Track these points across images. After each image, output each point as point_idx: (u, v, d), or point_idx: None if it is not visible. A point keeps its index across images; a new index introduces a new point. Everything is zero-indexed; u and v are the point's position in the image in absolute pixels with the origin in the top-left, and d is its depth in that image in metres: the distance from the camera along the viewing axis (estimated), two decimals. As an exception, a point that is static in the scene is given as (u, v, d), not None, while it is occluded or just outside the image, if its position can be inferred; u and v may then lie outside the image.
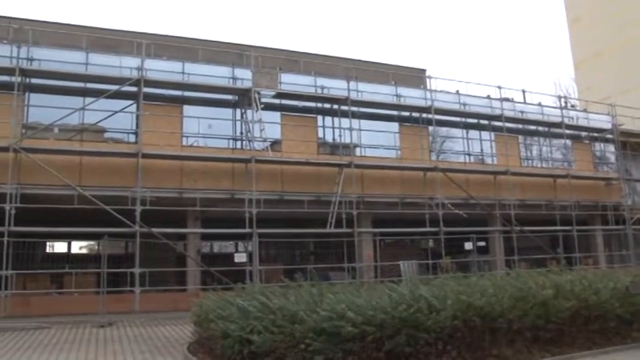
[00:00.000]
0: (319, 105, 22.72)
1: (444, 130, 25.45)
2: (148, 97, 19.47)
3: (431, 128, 24.38)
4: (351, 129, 21.92)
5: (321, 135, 22.89)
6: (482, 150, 25.95)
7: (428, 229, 21.94)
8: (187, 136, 20.41)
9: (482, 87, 26.92)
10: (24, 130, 18.32)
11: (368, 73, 25.07)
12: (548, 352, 8.85)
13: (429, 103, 23.67)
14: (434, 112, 23.51)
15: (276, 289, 9.93)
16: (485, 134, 25.93)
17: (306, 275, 12.23)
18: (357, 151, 22.58)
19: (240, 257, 20.92)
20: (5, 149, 17.29)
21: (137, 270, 17.94)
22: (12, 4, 75.62)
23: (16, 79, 18.04)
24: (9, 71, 18.19)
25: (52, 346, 11.76)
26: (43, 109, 18.80)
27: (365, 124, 22.78)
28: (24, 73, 18.50)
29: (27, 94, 18.99)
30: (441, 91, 25.16)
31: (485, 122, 25.79)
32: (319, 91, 22.51)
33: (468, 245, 23.47)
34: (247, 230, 19.29)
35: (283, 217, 21.00)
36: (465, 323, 8.06)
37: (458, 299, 8.21)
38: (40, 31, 20.40)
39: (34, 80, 19.19)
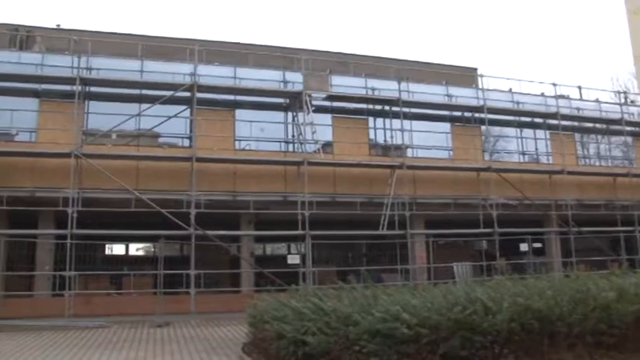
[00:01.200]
0: (370, 106, 22.67)
1: (496, 130, 24.97)
2: (201, 102, 19.85)
3: (483, 128, 23.94)
4: (402, 130, 21.76)
5: (372, 136, 22.82)
6: (536, 149, 25.31)
7: (481, 230, 21.56)
8: (240, 140, 20.72)
9: (536, 84, 26.18)
10: (84, 137, 18.98)
11: (419, 73, 24.83)
12: (610, 357, 8.44)
13: (481, 102, 23.26)
14: (486, 112, 23.06)
15: (330, 290, 9.96)
16: (540, 133, 25.28)
17: (359, 277, 12.24)
18: (409, 152, 22.37)
19: (293, 259, 21.06)
20: (67, 155, 17.98)
21: (192, 272, 18.29)
22: (72, 17, 78.42)
23: (77, 88, 18.75)
24: (70, 81, 18.96)
25: (113, 344, 12.14)
26: (102, 116, 19.45)
27: (416, 124, 22.55)
28: (84, 82, 19.18)
29: (86, 102, 19.68)
30: (493, 90, 24.64)
31: (540, 120, 25.14)
32: (370, 92, 22.46)
33: (524, 247, 22.94)
34: (300, 232, 19.41)
35: (336, 219, 21.04)
36: (522, 326, 7.82)
37: (514, 301, 7.98)
38: (98, 42, 21.07)
39: (92, 88, 19.88)
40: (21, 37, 22.03)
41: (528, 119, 25.14)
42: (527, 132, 25.18)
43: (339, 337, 7.83)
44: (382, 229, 20.34)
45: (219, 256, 21.86)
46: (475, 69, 29.37)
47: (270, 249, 32.28)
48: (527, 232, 22.60)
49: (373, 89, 22.58)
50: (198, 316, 16.74)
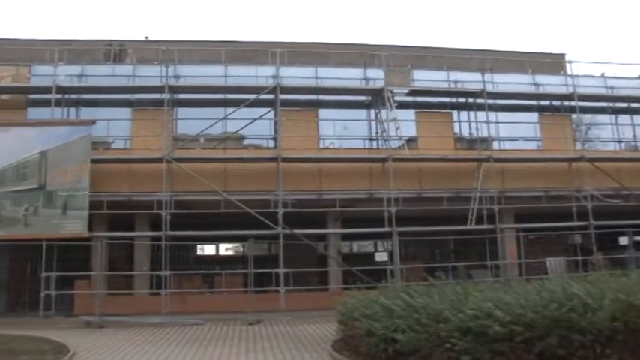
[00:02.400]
0: (454, 99, 22.25)
1: (588, 117, 23.75)
2: (285, 103, 20.19)
3: (574, 116, 22.81)
4: (488, 122, 21.19)
5: (457, 130, 22.36)
6: (634, 136, 23.87)
7: (576, 223, 20.65)
8: (324, 139, 20.89)
9: (631, 67, 24.62)
10: (174, 142, 19.75)
11: (503, 63, 24.02)
12: None
13: (570, 89, 22.22)
14: (577, 99, 22.01)
15: (419, 287, 9.87)
16: (637, 118, 23.87)
17: (448, 273, 12.05)
18: (496, 144, 21.72)
19: (381, 256, 20.98)
20: (159, 160, 18.85)
21: (281, 270, 18.63)
22: (160, 28, 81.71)
23: (166, 95, 19.64)
24: (160, 89, 19.84)
25: (208, 340, 12.59)
26: (190, 122, 20.25)
27: (502, 116, 21.87)
28: (172, 89, 20.01)
29: (175, 108, 20.50)
30: (583, 76, 23.43)
31: (638, 105, 23.74)
32: (453, 85, 22.07)
33: (623, 240, 21.72)
34: (387, 229, 19.35)
35: (422, 215, 20.76)
36: (625, 325, 7.23)
37: (616, 298, 7.41)
38: (184, 50, 21.86)
39: (180, 95, 20.74)
40: (114, 52, 23.28)
41: (624, 105, 23.74)
42: (624, 118, 23.79)
43: (430, 334, 7.72)
44: (470, 224, 19.94)
45: (307, 255, 22.09)
46: (563, 55, 28.07)
47: (356, 246, 32.30)
48: (627, 225, 21.33)
49: (456, 82, 22.15)
50: (287, 314, 17.00)
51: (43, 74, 20.48)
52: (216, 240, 28.83)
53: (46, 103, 19.82)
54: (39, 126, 19.43)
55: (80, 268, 18.45)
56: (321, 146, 20.80)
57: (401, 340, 7.90)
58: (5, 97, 20.69)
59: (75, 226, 18.38)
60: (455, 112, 22.32)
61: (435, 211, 20.21)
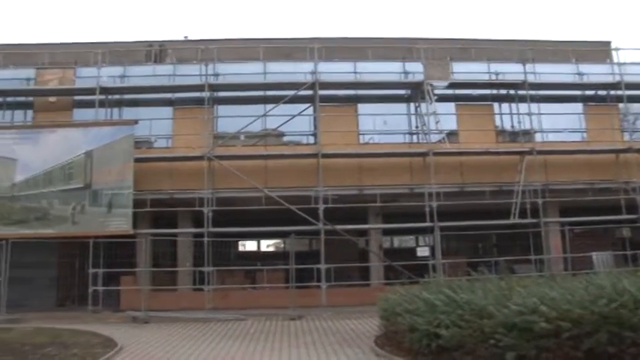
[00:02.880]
0: (494, 91, 21.81)
1: (637, 107, 22.99)
2: (324, 98, 20.21)
3: (621, 105, 22.12)
4: (530, 114, 20.73)
5: (498, 122, 21.95)
6: (688, 125, 22.89)
7: (624, 216, 20.07)
8: (364, 134, 20.81)
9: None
10: (215, 140, 19.98)
11: (545, 52, 23.45)
12: None
13: (617, 78, 21.54)
14: (624, 88, 21.33)
15: (462, 282, 9.75)
16: (692, 106, 22.83)
17: (490, 268, 11.86)
18: (539, 136, 21.21)
19: (422, 251, 20.86)
20: (201, 158, 19.12)
21: (323, 266, 18.67)
22: (199, 28, 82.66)
23: (206, 94, 19.88)
24: (200, 88, 20.10)
25: (251, 335, 12.70)
26: (230, 119, 20.43)
27: (545, 107, 21.34)
28: (212, 88, 20.24)
29: (215, 106, 20.75)
30: (631, 64, 22.69)
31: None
32: (493, 77, 21.66)
33: (678, 233, 20.94)
34: (428, 224, 19.21)
35: (464, 210, 20.52)
36: None
37: None
38: (223, 49, 22.03)
39: (220, 93, 21.00)
40: (155, 52, 23.65)
41: (677, 92, 22.84)
42: (677, 107, 22.89)
43: (474, 330, 7.62)
44: (513, 218, 19.58)
45: (348, 250, 22.10)
46: (608, 42, 27.26)
47: (397, 241, 32.16)
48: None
49: (497, 73, 21.74)
50: (329, 309, 17.03)
51: (87, 76, 21.01)
52: (257, 236, 29.16)
53: (90, 104, 20.31)
54: (84, 127, 19.93)
55: (125, 264, 18.87)
56: (361, 141, 20.73)
57: (444, 336, 7.83)
58: (52, 99, 21.30)
59: (120, 223, 18.81)
60: (496, 105, 21.91)
61: (476, 205, 19.93)
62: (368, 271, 20.74)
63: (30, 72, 21.57)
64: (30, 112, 21.59)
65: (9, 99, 21.23)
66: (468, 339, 7.64)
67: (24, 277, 18.97)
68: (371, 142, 20.78)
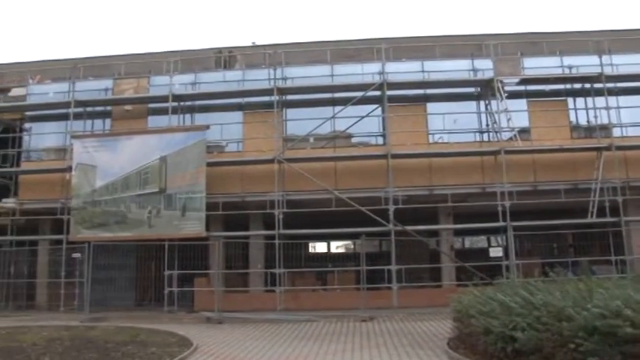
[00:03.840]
0: (568, 86, 20.99)
1: None
2: (392, 99, 20.08)
3: None
4: (607, 108, 19.79)
5: (573, 118, 21.12)
6: None
7: None
8: (433, 133, 20.52)
9: None
10: (285, 143, 20.21)
11: (622, 43, 22.27)
12: None
13: (702, 66, 20.35)
14: None
15: (538, 283, 9.44)
16: None
17: (567, 269, 11.45)
18: (617, 131, 20.26)
19: (495, 252, 20.35)
20: (271, 161, 19.41)
21: (394, 267, 18.56)
22: (266, 33, 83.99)
23: (275, 98, 20.14)
24: (268, 92, 20.40)
25: (323, 336, 12.76)
26: (299, 122, 20.62)
27: (624, 100, 20.37)
28: (280, 91, 20.47)
29: (284, 110, 20.98)
30: None
31: None
32: (567, 71, 20.85)
33: None
34: (501, 224, 18.74)
35: (538, 209, 19.90)
36: None
37: None
38: (290, 52, 22.31)
39: (289, 97, 21.18)
40: (224, 58, 24.20)
41: None
42: None
43: (552, 333, 7.35)
44: (591, 217, 18.81)
45: (419, 251, 21.84)
46: (693, 29, 25.71)
47: (468, 242, 31.53)
48: None
49: (570, 67, 20.89)
50: (400, 311, 16.91)
51: (160, 84, 21.72)
52: (327, 238, 29.24)
53: (163, 112, 21.00)
54: (158, 133, 20.60)
55: (199, 266, 19.37)
56: (431, 141, 20.45)
57: (520, 339, 7.59)
58: (128, 107, 22.18)
59: (193, 226, 19.32)
60: (570, 100, 21.06)
61: (551, 203, 19.28)
62: (439, 272, 20.43)
63: (107, 82, 22.57)
64: (108, 121, 22.56)
65: (89, 109, 22.20)
66: (545, 343, 7.38)
67: (105, 278, 19.88)
68: (440, 141, 20.45)
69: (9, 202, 21.85)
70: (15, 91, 24.02)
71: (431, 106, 20.81)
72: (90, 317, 16.95)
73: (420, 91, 21.08)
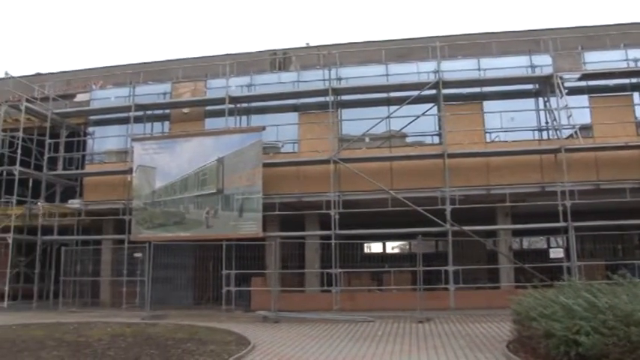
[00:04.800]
0: (634, 80, 20.21)
1: None
2: (448, 97, 19.85)
3: None
4: (678, 102, 19.03)
5: (638, 114, 20.38)
6: None
7: None
8: (490, 132, 20.15)
9: None
10: (340, 143, 20.26)
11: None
12: None
13: None
14: None
15: (602, 286, 9.14)
16: None
17: (633, 271, 11.04)
18: (688, 127, 19.42)
19: (556, 253, 19.74)
20: (327, 162, 19.50)
21: (450, 268, 18.34)
22: (319, 34, 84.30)
23: (330, 98, 20.20)
24: (323, 92, 20.48)
25: (379, 337, 12.71)
26: (354, 122, 20.58)
27: (696, 93, 19.54)
28: (335, 92, 20.53)
29: (339, 110, 21.03)
30: None
31: None
32: (632, 64, 20.09)
33: None
34: (562, 224, 18.23)
35: (601, 208, 19.23)
36: None
37: None
38: (344, 53, 22.38)
39: (344, 97, 21.22)
40: (279, 60, 24.47)
41: None
42: None
43: (619, 338, 7.11)
44: (659, 217, 18.06)
45: (476, 252, 21.53)
46: None
47: (526, 242, 30.84)
48: None
49: (636, 60, 20.14)
50: (457, 312, 16.71)
51: (216, 87, 22.19)
52: (383, 238, 29.16)
53: (220, 114, 21.40)
54: (215, 135, 20.99)
55: (256, 266, 19.63)
56: (487, 139, 20.09)
57: (584, 343, 7.38)
58: (186, 110, 22.69)
59: (250, 227, 19.60)
60: (636, 95, 20.27)
61: (615, 203, 18.58)
62: (496, 273, 20.05)
63: (166, 86, 23.21)
64: (167, 124, 23.17)
65: (148, 112, 22.84)
66: (612, 348, 7.15)
67: (165, 277, 20.43)
68: (497, 140, 20.07)
69: (75, 203, 22.82)
70: (79, 97, 25.09)
71: (487, 104, 20.42)
72: (151, 315, 17.46)
73: (477, 89, 20.74)
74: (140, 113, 22.50)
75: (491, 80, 20.24)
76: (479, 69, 20.72)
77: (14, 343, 11.53)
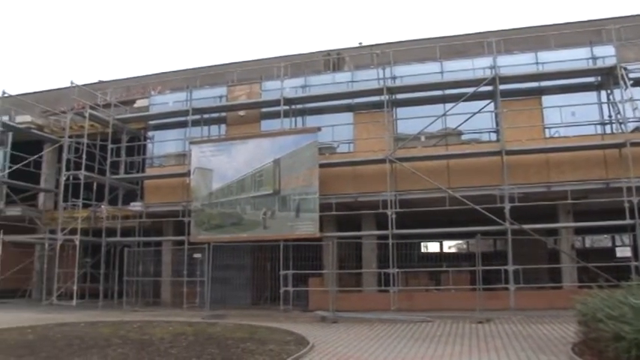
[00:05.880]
0: None
1: None
2: (505, 93, 19.43)
3: None
4: None
5: None
6: None
7: None
8: (549, 127, 19.63)
9: None
10: (396, 142, 20.15)
11: None
12: None
13: None
14: None
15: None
16: None
17: None
18: None
19: (623, 252, 19.06)
20: (382, 161, 19.44)
21: (510, 267, 17.96)
22: (372, 33, 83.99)
23: (384, 97, 20.13)
24: (378, 92, 20.43)
25: (438, 338, 12.56)
26: (409, 121, 20.47)
27: None
28: (390, 91, 20.45)
29: (394, 109, 20.92)
30: None
31: None
32: None
33: None
34: (628, 221, 17.53)
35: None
36: None
37: None
38: (398, 51, 22.19)
39: (398, 96, 21.10)
40: (332, 60, 24.54)
41: None
42: None
43: (698, 343, 6.81)
44: None
45: (536, 251, 21.03)
46: None
47: (589, 241, 29.91)
48: None
49: None
50: (517, 313, 16.35)
51: (271, 89, 22.46)
52: (440, 237, 28.85)
53: (275, 115, 21.66)
54: (271, 136, 21.23)
55: (313, 266, 19.72)
56: (547, 135, 19.57)
57: (657, 347, 7.08)
58: (242, 113, 23.06)
59: (307, 227, 19.74)
60: None
61: (689, 199, 17.78)
62: (558, 272, 19.54)
63: (222, 90, 23.67)
64: (223, 127, 23.61)
65: (205, 115, 23.30)
66: (689, 352, 6.84)
67: (223, 277, 20.81)
68: (557, 135, 19.52)
69: (136, 206, 23.55)
70: (139, 102, 25.88)
71: (546, 99, 19.89)
72: (210, 314, 17.82)
73: (535, 84, 20.21)
74: (197, 117, 22.98)
75: (550, 74, 19.67)
76: (537, 63, 20.18)
77: (83, 340, 12.02)
